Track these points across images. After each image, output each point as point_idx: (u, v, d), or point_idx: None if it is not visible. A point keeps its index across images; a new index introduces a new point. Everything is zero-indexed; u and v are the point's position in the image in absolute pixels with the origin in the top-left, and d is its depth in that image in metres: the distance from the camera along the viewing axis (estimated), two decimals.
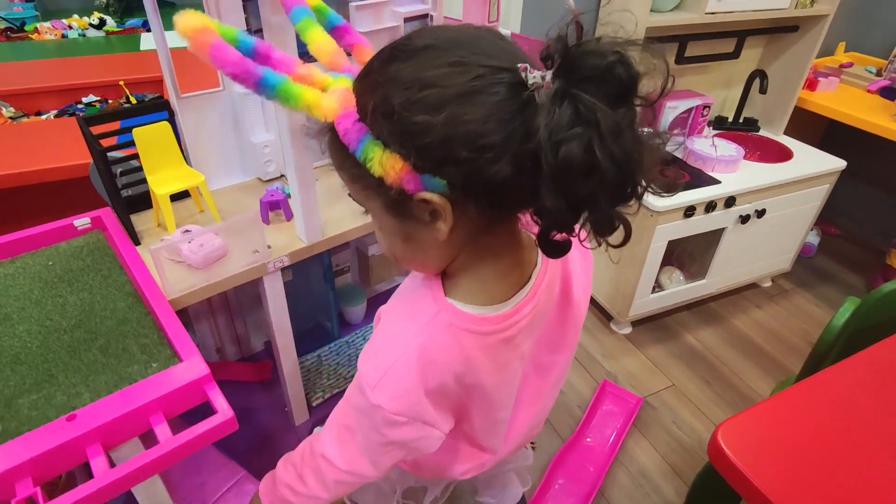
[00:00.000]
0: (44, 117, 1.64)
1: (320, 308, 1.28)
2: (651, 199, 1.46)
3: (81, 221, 0.93)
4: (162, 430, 0.63)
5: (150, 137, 0.88)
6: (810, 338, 1.84)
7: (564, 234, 0.46)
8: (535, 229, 0.48)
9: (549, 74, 0.42)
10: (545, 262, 0.61)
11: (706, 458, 1.62)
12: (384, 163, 0.44)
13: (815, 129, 2.09)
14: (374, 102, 0.44)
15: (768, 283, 2.06)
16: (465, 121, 0.41)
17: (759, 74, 1.80)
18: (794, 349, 1.80)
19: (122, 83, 1.73)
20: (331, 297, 1.22)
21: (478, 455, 0.72)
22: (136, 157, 0.91)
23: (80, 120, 0.86)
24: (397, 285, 1.57)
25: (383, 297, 1.47)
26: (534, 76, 0.41)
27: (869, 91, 1.92)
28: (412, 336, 0.55)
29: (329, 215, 1.00)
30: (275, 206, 0.97)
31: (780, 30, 1.78)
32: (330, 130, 0.48)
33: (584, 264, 0.68)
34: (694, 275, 1.84)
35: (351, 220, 1.00)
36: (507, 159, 0.42)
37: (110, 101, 1.74)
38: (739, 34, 1.77)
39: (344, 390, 1.34)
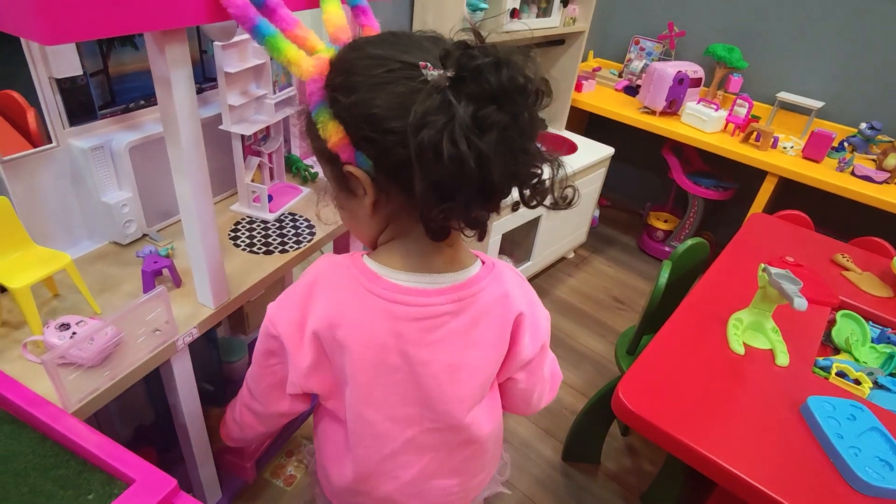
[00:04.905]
0: None
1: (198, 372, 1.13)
2: None
3: None
4: None
5: None
6: (611, 293, 2.26)
7: (441, 221, 0.51)
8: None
9: (445, 73, 0.48)
10: (490, 277, 0.65)
11: (568, 414, 1.88)
12: (328, 128, 0.52)
13: (580, 122, 2.53)
14: (330, 77, 0.53)
15: (572, 255, 2.44)
16: (373, 105, 0.49)
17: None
18: (602, 305, 2.19)
19: None
20: (215, 356, 1.09)
21: (344, 455, 0.68)
22: None
23: None
24: None
25: None
26: (432, 74, 0.48)
27: (616, 90, 2.40)
28: (310, 272, 0.62)
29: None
30: (158, 274, 0.84)
31: (551, 43, 2.11)
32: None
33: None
34: (520, 259, 2.09)
35: (252, 271, 0.92)
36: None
37: None
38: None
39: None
